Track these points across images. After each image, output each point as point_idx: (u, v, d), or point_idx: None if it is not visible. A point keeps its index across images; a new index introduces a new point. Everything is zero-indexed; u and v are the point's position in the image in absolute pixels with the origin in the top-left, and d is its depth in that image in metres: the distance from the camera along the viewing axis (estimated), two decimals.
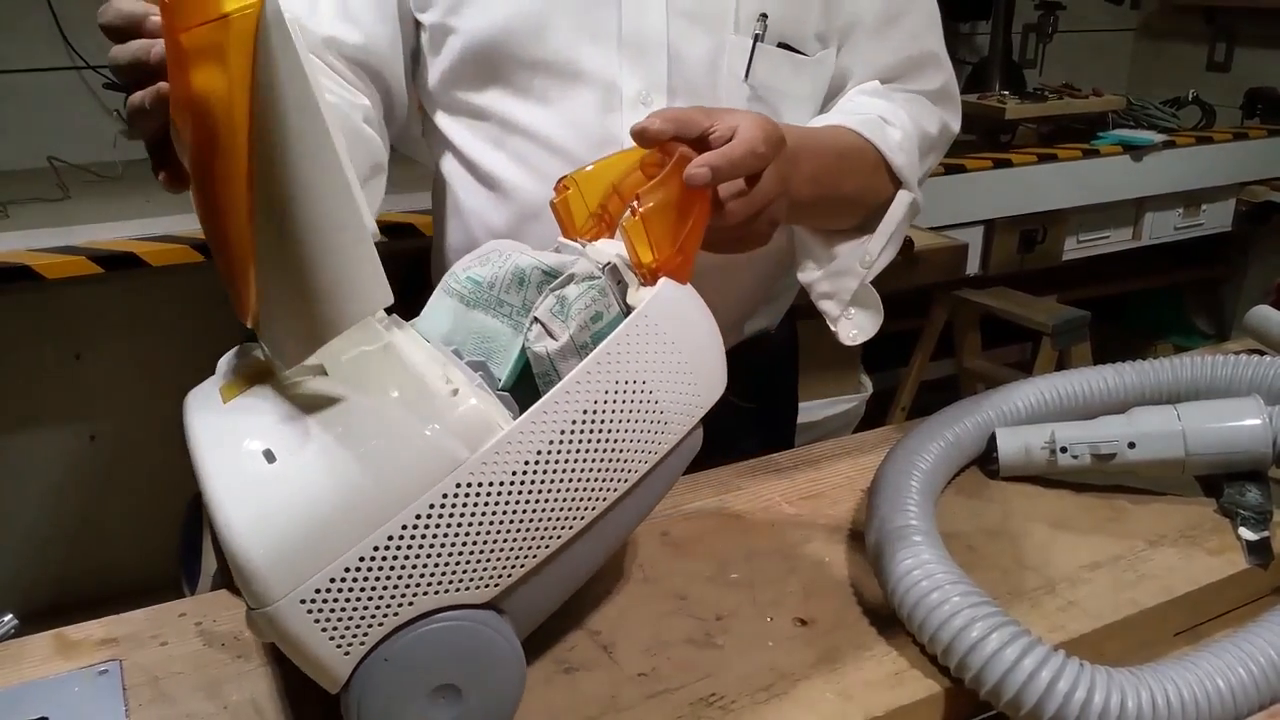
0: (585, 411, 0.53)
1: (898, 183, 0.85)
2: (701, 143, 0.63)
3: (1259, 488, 0.76)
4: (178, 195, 0.57)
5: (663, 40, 0.81)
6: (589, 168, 0.66)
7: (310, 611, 0.47)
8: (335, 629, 0.48)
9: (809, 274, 0.86)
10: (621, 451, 0.54)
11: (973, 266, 2.28)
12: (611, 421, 0.53)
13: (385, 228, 1.73)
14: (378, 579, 0.48)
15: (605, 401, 0.53)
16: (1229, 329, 3.00)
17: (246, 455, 0.50)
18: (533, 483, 0.51)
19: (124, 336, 2.03)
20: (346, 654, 0.48)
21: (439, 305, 0.63)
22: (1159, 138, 2.42)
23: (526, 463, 0.51)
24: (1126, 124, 2.53)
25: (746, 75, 0.83)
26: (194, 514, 1.97)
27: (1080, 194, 2.38)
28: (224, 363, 0.60)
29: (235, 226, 0.49)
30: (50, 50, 1.96)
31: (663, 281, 0.58)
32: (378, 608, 0.48)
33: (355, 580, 0.48)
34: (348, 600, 0.48)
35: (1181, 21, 3.04)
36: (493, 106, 0.85)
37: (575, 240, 0.64)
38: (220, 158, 0.47)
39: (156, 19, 0.53)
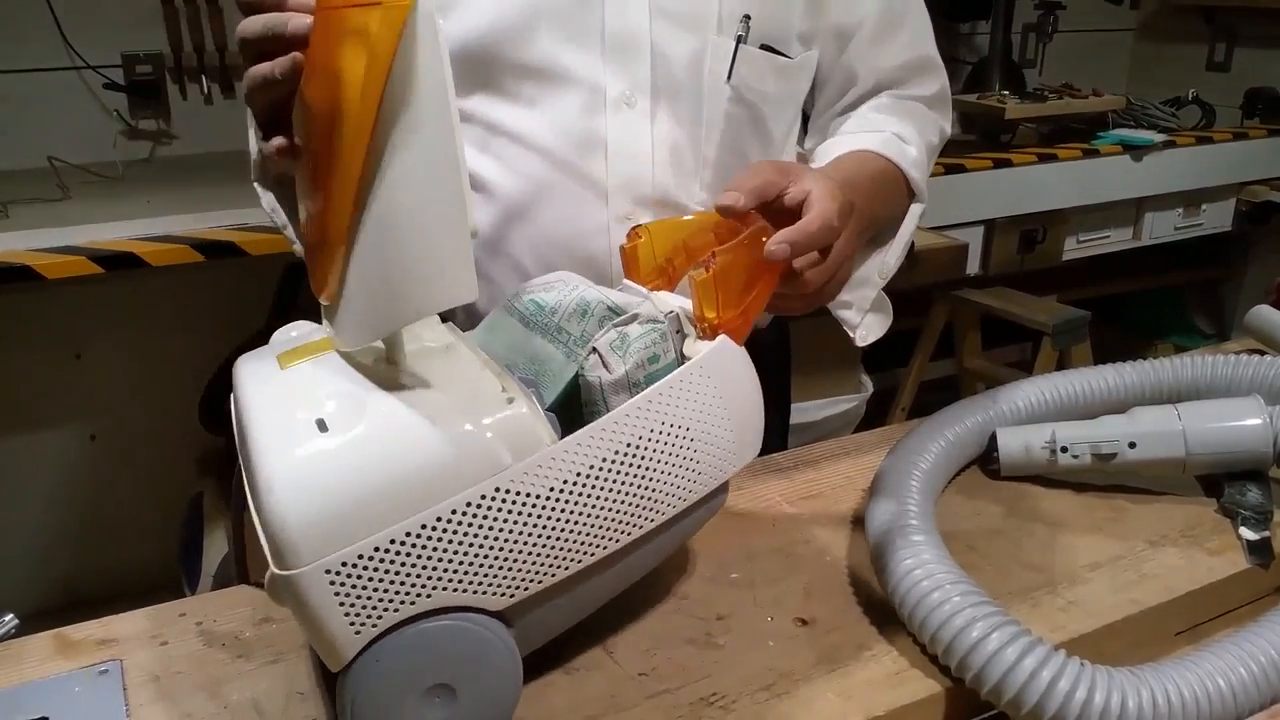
0: (629, 444, 0.55)
1: (911, 195, 0.88)
2: (775, 202, 0.66)
3: (1259, 487, 0.76)
4: (280, 168, 0.59)
5: (646, 41, 0.81)
6: (663, 220, 0.69)
7: (333, 583, 0.48)
8: (352, 606, 0.48)
9: None
10: (655, 491, 0.56)
11: (973, 266, 2.28)
12: (652, 459, 0.55)
13: None
14: (403, 565, 0.49)
15: (650, 440, 0.55)
16: (1229, 329, 3.00)
17: (299, 421, 0.51)
18: (567, 502, 0.53)
19: (124, 336, 2.03)
20: (358, 633, 0.49)
21: (498, 322, 0.64)
22: (1159, 138, 2.42)
23: (565, 481, 0.52)
24: (1126, 124, 2.53)
25: (729, 77, 0.83)
26: (194, 514, 1.97)
27: (1080, 194, 2.38)
28: (281, 334, 0.61)
29: (338, 202, 0.50)
30: (50, 50, 1.96)
31: (722, 338, 0.60)
32: (397, 593, 0.49)
33: (382, 561, 0.48)
34: (370, 580, 0.48)
35: (1181, 21, 3.04)
36: (477, 110, 0.85)
37: (639, 285, 0.66)
38: (342, 135, 0.49)
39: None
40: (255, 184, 0.88)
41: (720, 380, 0.58)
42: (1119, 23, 3.13)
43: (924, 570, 0.60)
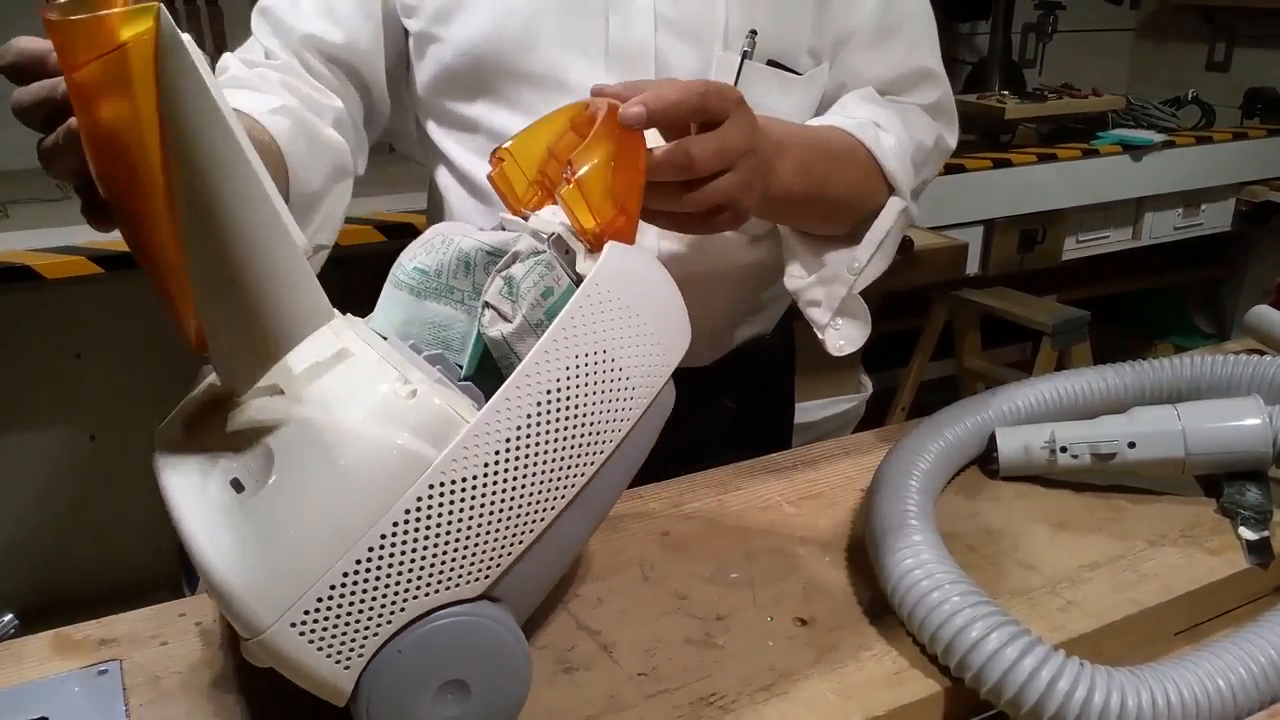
0: (549, 391, 0.51)
1: (890, 190, 0.84)
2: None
3: (1259, 487, 0.76)
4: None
5: (650, 53, 0.81)
6: (519, 134, 0.63)
7: (303, 634, 0.47)
8: (330, 645, 0.48)
9: (796, 281, 0.85)
10: (592, 425, 0.53)
11: (972, 266, 2.28)
12: (577, 397, 0.52)
13: (384, 227, 1.73)
14: (365, 591, 0.48)
15: (568, 378, 0.52)
16: (1229, 329, 3.00)
17: (214, 487, 0.50)
18: (506, 471, 0.50)
19: (124, 336, 2.03)
20: (346, 668, 0.48)
21: (390, 298, 0.62)
22: (1159, 138, 2.43)
23: (497, 452, 0.50)
24: (1126, 124, 2.53)
25: None
26: None
27: (1080, 194, 2.38)
28: (186, 395, 0.59)
29: (165, 257, 0.48)
30: None
31: (609, 246, 0.56)
32: (370, 619, 0.48)
33: (343, 596, 0.47)
34: (338, 616, 0.47)
35: (1181, 21, 3.05)
36: (481, 118, 0.85)
37: (520, 213, 0.63)
38: (138, 189, 0.46)
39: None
40: None
41: (622, 290, 0.54)
42: (1119, 23, 3.13)
43: (923, 570, 0.60)
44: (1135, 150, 2.40)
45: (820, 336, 0.84)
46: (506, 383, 0.51)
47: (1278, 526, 0.73)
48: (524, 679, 0.54)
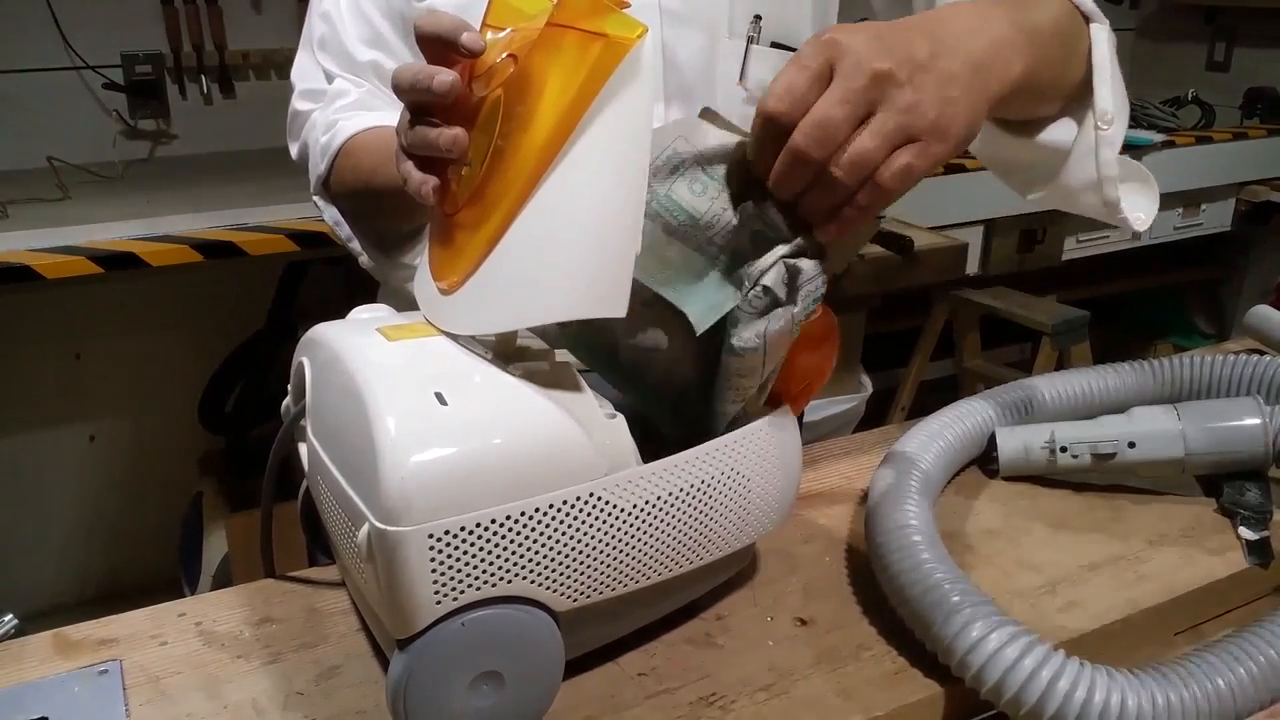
0: (704, 481, 0.57)
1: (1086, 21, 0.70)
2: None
3: (1259, 487, 0.76)
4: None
5: (656, 43, 0.81)
6: None
7: (432, 549, 0.48)
8: (441, 575, 0.49)
9: (1064, 190, 0.73)
10: (713, 529, 0.59)
11: (972, 266, 2.28)
12: (717, 499, 0.59)
13: None
14: (495, 546, 0.50)
15: (719, 481, 0.58)
16: (1229, 329, 3.00)
17: (419, 389, 0.52)
18: (644, 522, 0.55)
19: (124, 336, 2.04)
20: (438, 603, 0.49)
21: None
22: (1159, 137, 2.43)
23: (647, 502, 0.55)
24: None
25: (741, 78, 0.83)
26: (194, 514, 1.97)
27: None
28: (357, 312, 0.63)
29: (507, 197, 0.53)
30: (50, 50, 1.97)
31: (785, 407, 0.63)
32: (483, 572, 0.50)
33: (479, 538, 0.49)
34: (463, 554, 0.49)
35: (1181, 21, 3.05)
36: None
37: None
38: (532, 138, 0.52)
39: (470, 37, 0.54)
40: (315, 198, 0.89)
41: (779, 442, 0.62)
42: (1119, 22, 3.13)
43: (923, 570, 0.60)
44: (1135, 150, 2.40)
45: (1122, 218, 0.72)
46: (681, 454, 0.57)
47: (1278, 526, 0.73)
48: (544, 710, 0.56)
